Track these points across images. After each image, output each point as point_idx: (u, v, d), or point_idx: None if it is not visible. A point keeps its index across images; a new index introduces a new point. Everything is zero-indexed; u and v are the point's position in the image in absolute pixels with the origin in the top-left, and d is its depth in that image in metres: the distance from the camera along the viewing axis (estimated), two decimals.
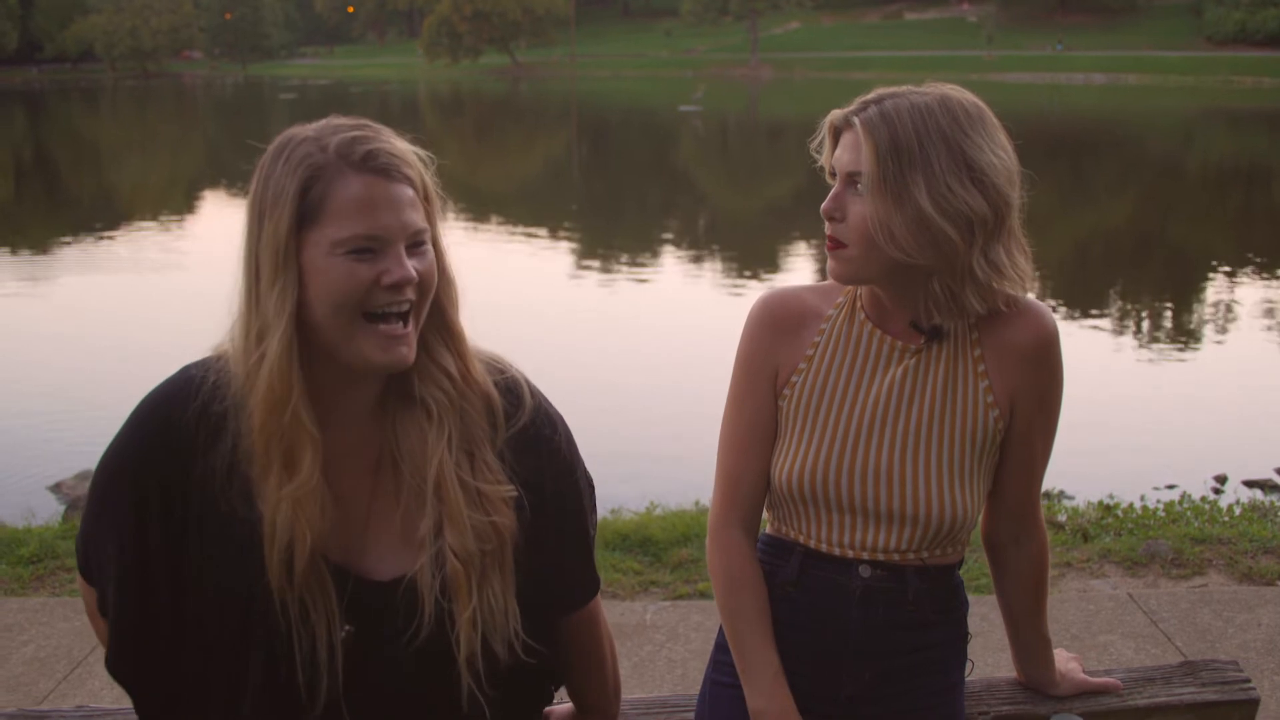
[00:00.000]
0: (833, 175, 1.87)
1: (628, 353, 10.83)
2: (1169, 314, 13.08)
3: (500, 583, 1.65)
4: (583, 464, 1.83)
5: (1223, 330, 12.14)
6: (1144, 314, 13.07)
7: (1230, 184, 25.98)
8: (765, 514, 2.06)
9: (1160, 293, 14.39)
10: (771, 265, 16.30)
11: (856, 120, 1.79)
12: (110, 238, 18.57)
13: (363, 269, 1.51)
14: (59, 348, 11.22)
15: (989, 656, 3.77)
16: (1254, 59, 68.79)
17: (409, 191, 1.55)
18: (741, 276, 15.21)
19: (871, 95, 1.82)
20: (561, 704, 2.02)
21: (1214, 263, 16.12)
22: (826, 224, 1.84)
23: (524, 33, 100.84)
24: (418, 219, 1.55)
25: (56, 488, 7.23)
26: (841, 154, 1.82)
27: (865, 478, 1.89)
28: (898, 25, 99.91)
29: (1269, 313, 12.78)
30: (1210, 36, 78.23)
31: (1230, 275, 15.09)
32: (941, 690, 2.00)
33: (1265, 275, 15.00)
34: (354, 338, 1.53)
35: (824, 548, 1.94)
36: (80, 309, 13.20)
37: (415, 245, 1.55)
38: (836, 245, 1.84)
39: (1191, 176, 27.61)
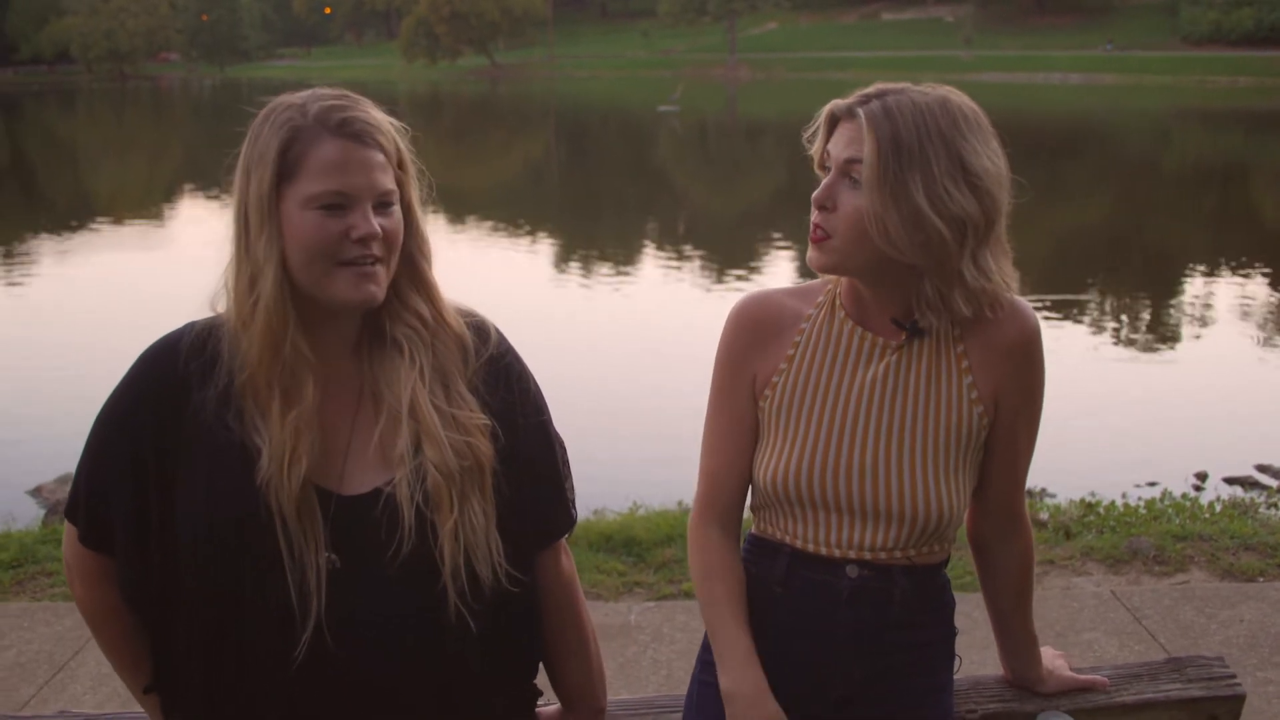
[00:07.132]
0: (822, 166, 1.85)
1: (609, 353, 10.81)
2: (1147, 312, 13.14)
3: (480, 504, 1.74)
4: (551, 419, 1.91)
5: (1200, 327, 12.20)
6: (1122, 312, 13.13)
7: (1207, 184, 26.12)
8: (749, 514, 2.06)
9: (1138, 291, 14.44)
10: (751, 265, 16.28)
11: (861, 112, 1.77)
12: (81, 239, 18.44)
13: (332, 223, 1.65)
14: (34, 349, 11.13)
15: (972, 654, 3.77)
16: (1229, 58, 69.13)
17: (379, 156, 1.68)
18: (721, 276, 15.19)
19: (873, 89, 1.80)
20: (549, 705, 2.02)
21: (1192, 261, 16.21)
22: (815, 213, 1.83)
23: (502, 34, 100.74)
24: (385, 181, 1.69)
25: (36, 491, 7.15)
26: (838, 144, 1.81)
27: (850, 475, 1.89)
28: (875, 26, 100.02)
29: (1246, 310, 12.85)
30: (1186, 36, 78.58)
31: (1207, 273, 15.17)
32: (931, 690, 2.00)
33: (1241, 273, 15.08)
34: (328, 280, 1.67)
35: (811, 548, 1.93)
36: (53, 309, 13.10)
37: (383, 205, 1.69)
38: (822, 236, 1.83)
39: (1170, 176, 27.74)
